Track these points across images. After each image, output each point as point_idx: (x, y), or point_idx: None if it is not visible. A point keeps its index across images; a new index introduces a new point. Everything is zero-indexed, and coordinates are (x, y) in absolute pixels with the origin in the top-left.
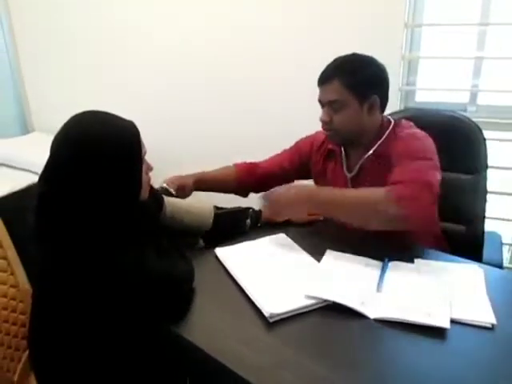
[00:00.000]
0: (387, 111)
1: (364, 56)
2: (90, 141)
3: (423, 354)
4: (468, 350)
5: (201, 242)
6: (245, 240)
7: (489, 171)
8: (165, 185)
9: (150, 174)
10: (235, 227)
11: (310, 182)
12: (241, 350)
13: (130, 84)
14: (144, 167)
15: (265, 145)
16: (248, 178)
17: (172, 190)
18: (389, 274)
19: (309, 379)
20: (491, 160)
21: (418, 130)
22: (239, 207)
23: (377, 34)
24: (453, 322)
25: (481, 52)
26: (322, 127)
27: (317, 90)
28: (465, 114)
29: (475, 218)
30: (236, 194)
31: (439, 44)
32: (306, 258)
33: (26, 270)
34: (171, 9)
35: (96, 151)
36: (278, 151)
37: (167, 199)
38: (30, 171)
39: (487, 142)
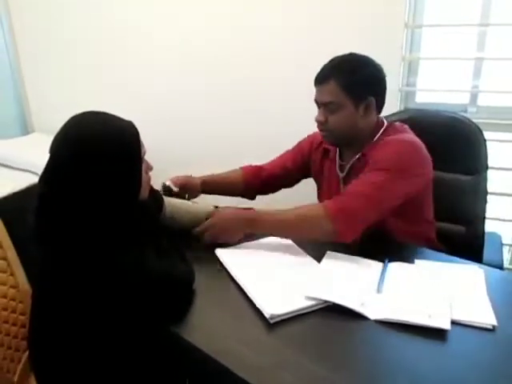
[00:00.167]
0: (387, 112)
1: (361, 56)
2: (90, 141)
3: (423, 355)
4: (468, 352)
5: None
6: (245, 241)
7: (489, 172)
8: (168, 182)
9: (150, 173)
10: None
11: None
12: (241, 350)
13: (130, 84)
14: (144, 167)
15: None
16: (254, 180)
17: (174, 188)
18: (389, 274)
19: (309, 380)
20: (491, 161)
21: (405, 136)
22: (239, 207)
23: (377, 35)
24: (453, 323)
25: (481, 53)
26: (317, 127)
27: None
28: (465, 114)
29: (475, 218)
30: (243, 196)
31: (439, 45)
32: (306, 258)
33: (26, 271)
34: (171, 9)
35: (95, 151)
36: (278, 151)
37: (167, 199)
38: (30, 172)
39: (487, 143)
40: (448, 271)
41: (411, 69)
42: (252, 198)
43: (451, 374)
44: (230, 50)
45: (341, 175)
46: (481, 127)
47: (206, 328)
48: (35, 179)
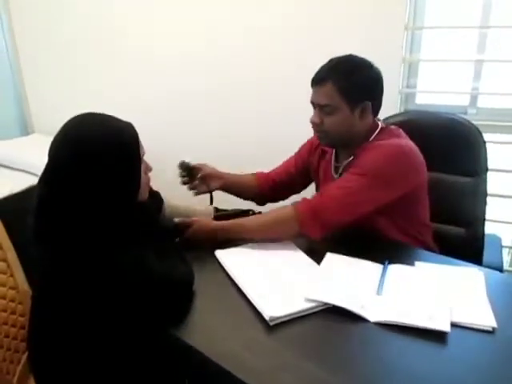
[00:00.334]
0: (387, 113)
1: (359, 58)
2: (89, 142)
3: (423, 357)
4: (468, 354)
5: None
6: (245, 242)
7: (489, 174)
8: (188, 159)
9: (150, 174)
10: None
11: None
12: (241, 352)
13: (130, 84)
14: (143, 167)
15: (265, 145)
16: (266, 186)
17: (191, 163)
18: (389, 276)
19: (309, 382)
20: (491, 163)
21: (396, 141)
22: (239, 209)
23: (377, 36)
24: (453, 325)
25: (481, 55)
26: (313, 128)
27: None
28: (465, 116)
29: (475, 220)
30: (253, 200)
31: (440, 46)
32: (306, 260)
33: (26, 272)
34: (171, 9)
35: (95, 152)
36: (278, 151)
37: (167, 201)
38: (30, 173)
39: (487, 145)
40: (448, 273)
41: (411, 70)
42: (262, 203)
43: (451, 376)
44: (229, 51)
45: (335, 176)
46: (480, 129)
47: (205, 330)
48: (35, 180)
